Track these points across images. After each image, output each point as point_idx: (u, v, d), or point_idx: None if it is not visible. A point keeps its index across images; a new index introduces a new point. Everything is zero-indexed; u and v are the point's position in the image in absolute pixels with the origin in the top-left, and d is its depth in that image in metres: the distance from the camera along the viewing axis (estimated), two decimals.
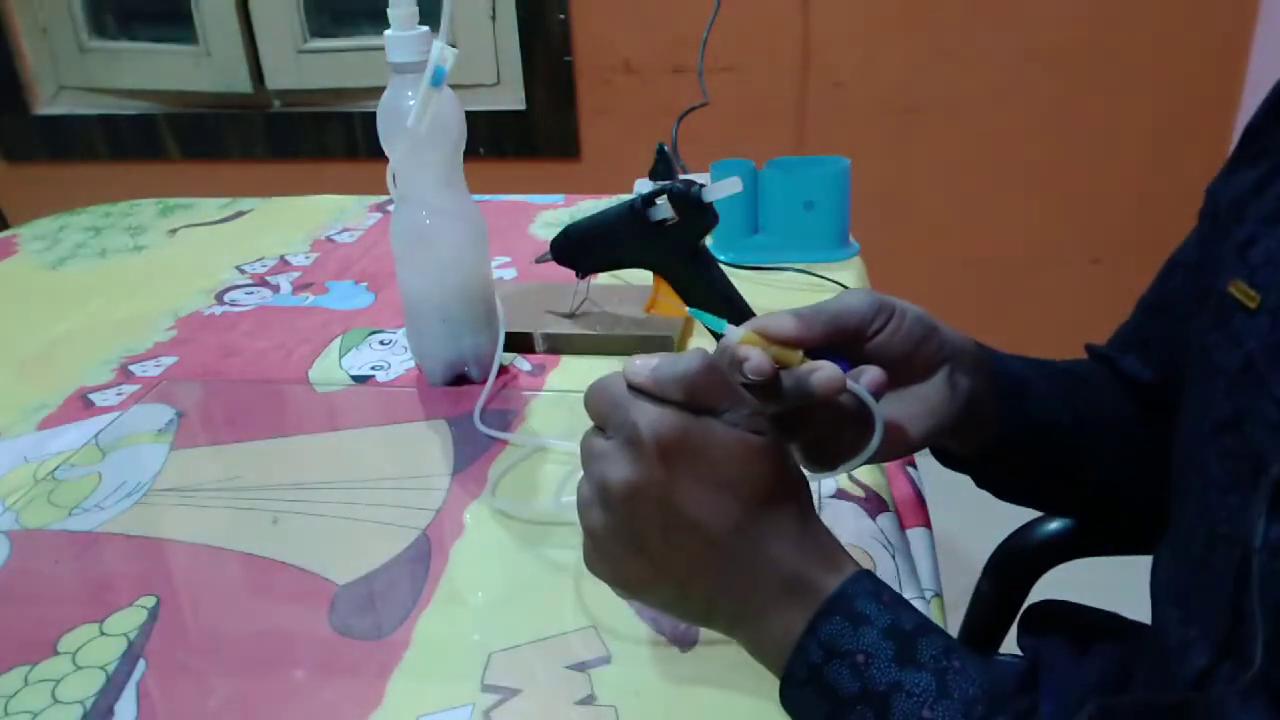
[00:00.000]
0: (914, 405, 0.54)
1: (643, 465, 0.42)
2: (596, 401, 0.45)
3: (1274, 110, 0.55)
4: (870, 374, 0.50)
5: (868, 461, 0.51)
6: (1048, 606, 0.78)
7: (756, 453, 0.44)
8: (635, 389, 0.44)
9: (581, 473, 0.46)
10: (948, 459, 0.62)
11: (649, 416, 0.42)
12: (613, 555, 0.45)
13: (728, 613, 0.45)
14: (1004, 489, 0.65)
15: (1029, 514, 0.79)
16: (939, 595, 0.62)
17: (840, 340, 0.50)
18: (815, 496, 0.67)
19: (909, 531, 0.68)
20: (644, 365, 0.43)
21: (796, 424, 0.51)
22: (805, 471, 0.54)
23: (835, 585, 0.43)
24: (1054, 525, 0.80)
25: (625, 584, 0.46)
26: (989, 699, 0.40)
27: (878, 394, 0.49)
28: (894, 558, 0.61)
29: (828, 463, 0.53)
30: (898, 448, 0.54)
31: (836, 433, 0.52)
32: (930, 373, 0.54)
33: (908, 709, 0.40)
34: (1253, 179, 0.53)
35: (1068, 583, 0.81)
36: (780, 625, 0.43)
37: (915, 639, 0.42)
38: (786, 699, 0.44)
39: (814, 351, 0.49)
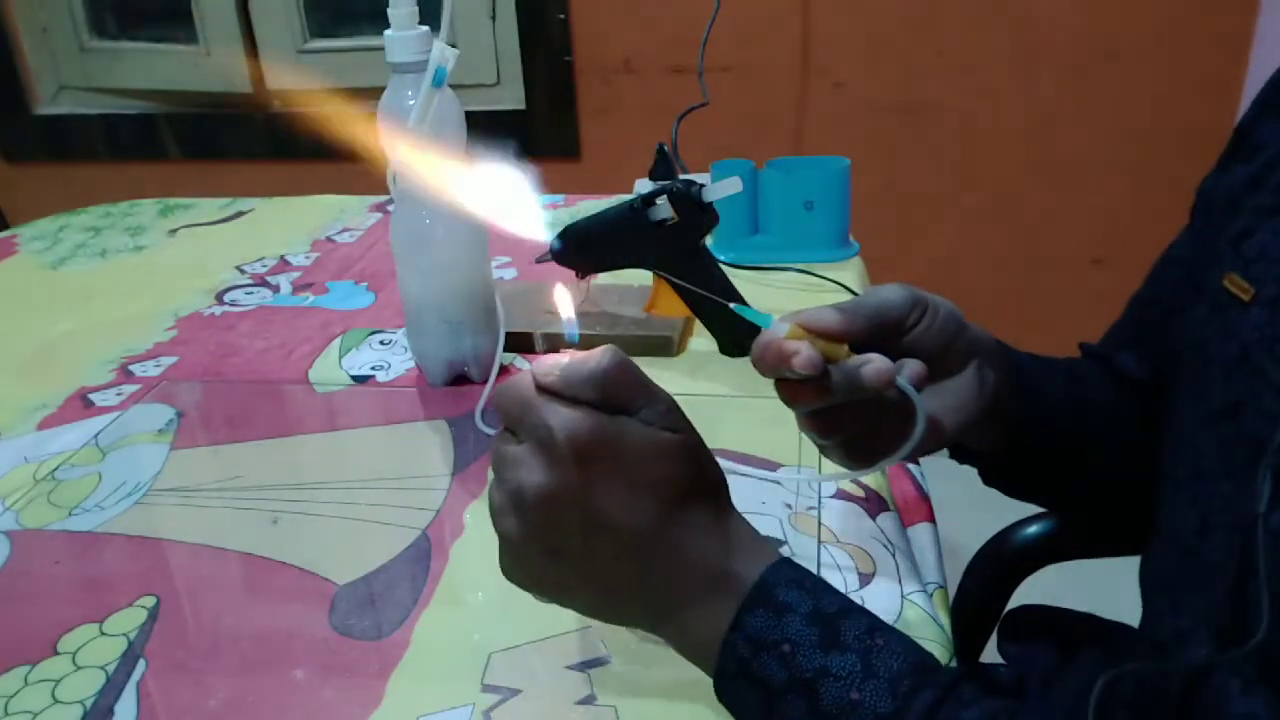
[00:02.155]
0: (945, 399, 0.54)
1: (557, 469, 0.41)
2: (506, 404, 0.44)
3: (1266, 106, 0.56)
4: (911, 367, 0.50)
5: (907, 457, 0.51)
6: (1027, 611, 0.78)
7: (673, 450, 0.43)
8: (544, 390, 0.42)
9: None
10: (959, 453, 0.62)
11: (561, 418, 0.41)
12: (530, 562, 0.44)
13: (651, 612, 0.45)
14: (1012, 485, 0.65)
15: (1025, 512, 0.79)
16: (941, 587, 0.62)
17: (879, 334, 0.50)
18: (816, 497, 0.67)
19: (912, 528, 0.68)
20: (552, 365, 0.42)
21: (835, 420, 0.51)
22: (844, 469, 0.54)
23: (756, 575, 0.43)
24: (1034, 529, 0.79)
25: (546, 589, 0.45)
26: (914, 673, 0.41)
27: (918, 387, 0.49)
28: (894, 556, 0.61)
29: (864, 459, 0.53)
30: (931, 442, 0.54)
31: (872, 429, 0.52)
32: (960, 367, 0.54)
33: (836, 692, 0.40)
34: (1247, 173, 0.53)
35: (1046, 587, 0.80)
36: (705, 622, 0.43)
37: (838, 622, 0.42)
38: (721, 694, 0.44)
39: (853, 346, 0.49)
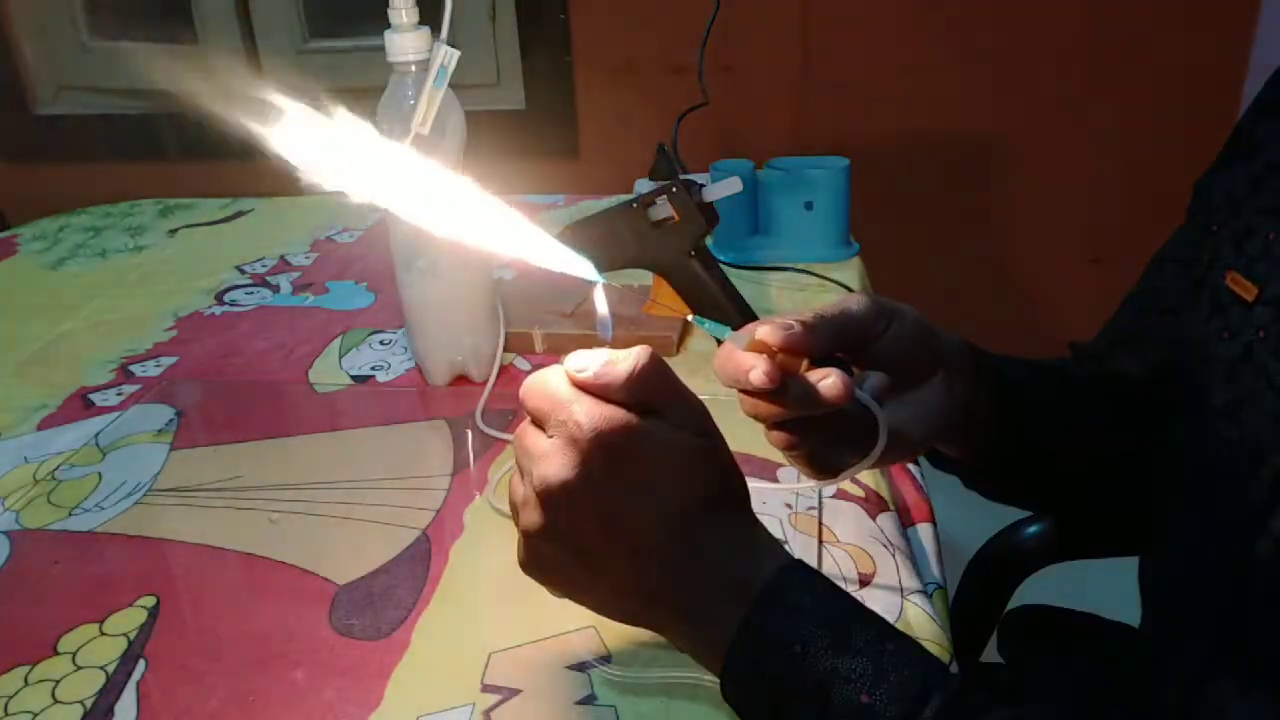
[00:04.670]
0: (913, 409, 0.53)
1: (585, 466, 0.41)
2: (535, 397, 0.43)
3: (1267, 106, 0.56)
4: (873, 379, 0.49)
5: (870, 467, 0.51)
6: (1027, 612, 0.78)
7: (699, 456, 0.43)
8: (577, 386, 0.42)
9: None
10: (937, 460, 0.62)
11: (593, 416, 0.41)
12: (549, 557, 0.44)
13: (665, 614, 0.45)
14: (994, 490, 0.65)
15: (1025, 513, 0.79)
16: (941, 587, 0.62)
17: (843, 345, 0.50)
18: (816, 498, 0.67)
19: (912, 529, 0.68)
20: (587, 362, 0.42)
21: (799, 431, 0.51)
22: (807, 479, 0.54)
23: (768, 577, 0.43)
24: (1034, 529, 0.79)
25: (562, 585, 0.45)
26: (924, 679, 0.41)
27: (880, 399, 0.49)
28: (894, 557, 0.61)
29: (829, 469, 0.53)
30: (899, 453, 0.54)
31: (837, 439, 0.51)
32: (928, 376, 0.54)
33: (846, 694, 0.40)
34: (1249, 173, 0.53)
35: (1046, 587, 0.80)
36: (717, 623, 0.43)
37: (849, 625, 0.42)
38: (728, 694, 0.44)
39: (817, 357, 0.49)
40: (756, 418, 0.50)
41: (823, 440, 0.52)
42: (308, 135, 0.40)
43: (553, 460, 0.42)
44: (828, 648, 0.41)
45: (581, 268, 0.45)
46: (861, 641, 0.41)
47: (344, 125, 0.41)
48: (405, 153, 0.44)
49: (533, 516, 0.43)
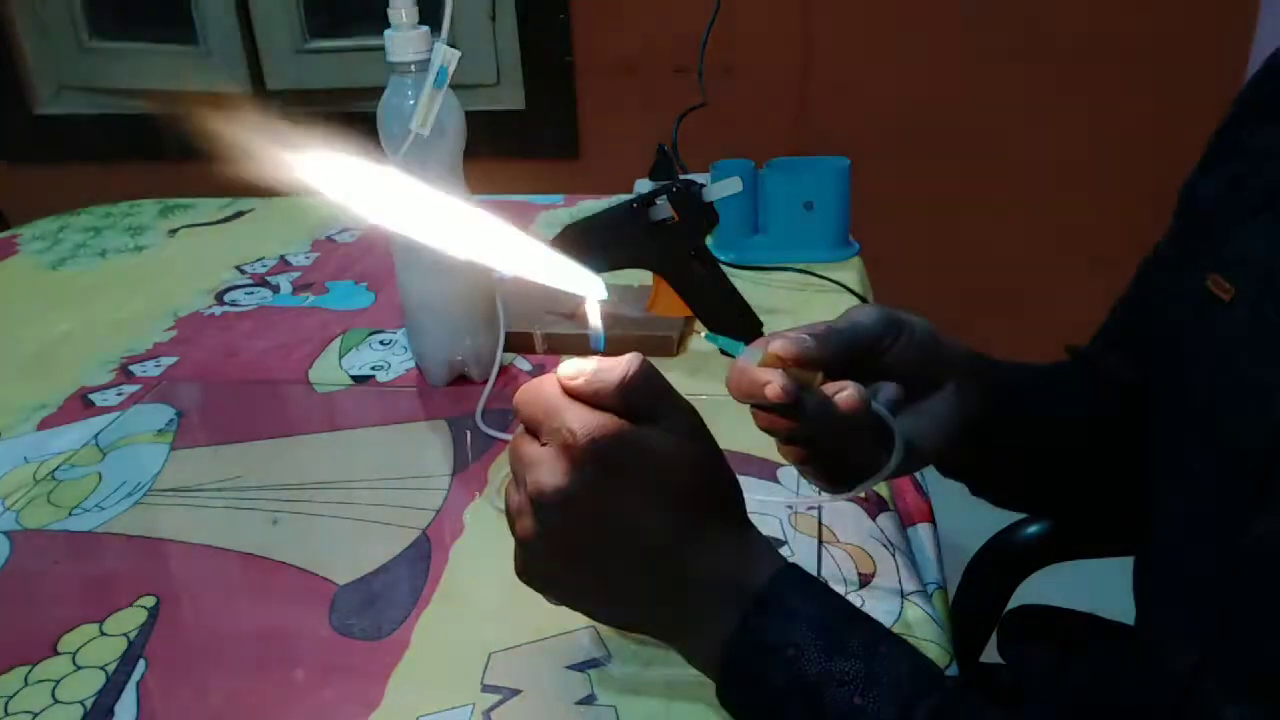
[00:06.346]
0: (924, 419, 0.54)
1: (578, 474, 0.41)
2: (529, 406, 0.44)
3: (1246, 108, 0.56)
4: (886, 390, 0.50)
5: (886, 479, 0.51)
6: (1027, 612, 0.78)
7: (693, 462, 0.43)
8: (570, 393, 0.43)
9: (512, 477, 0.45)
10: (945, 467, 0.62)
11: (586, 424, 0.41)
12: (545, 564, 0.44)
13: (662, 618, 0.45)
14: (1000, 495, 0.65)
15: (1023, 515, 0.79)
16: (941, 587, 0.62)
17: (854, 358, 0.50)
18: (815, 497, 0.67)
19: (912, 528, 0.68)
20: (580, 369, 0.43)
21: (813, 444, 0.51)
22: (823, 492, 0.54)
23: (764, 580, 0.43)
24: (1034, 529, 0.79)
25: (559, 593, 0.45)
26: (918, 681, 0.41)
27: (893, 410, 0.49)
28: (894, 556, 0.61)
29: (841, 481, 0.53)
30: (911, 463, 0.54)
31: (848, 451, 0.51)
32: (938, 386, 0.54)
33: (839, 697, 0.40)
34: (1228, 175, 0.54)
35: (1046, 587, 0.80)
36: (713, 627, 0.43)
37: (844, 628, 0.42)
38: (724, 697, 0.44)
39: (829, 370, 0.49)
40: (771, 432, 0.50)
41: (835, 453, 0.52)
42: (308, 155, 0.40)
43: (547, 468, 0.42)
44: (822, 651, 0.41)
45: (587, 283, 0.45)
46: (856, 644, 0.42)
47: (341, 148, 0.40)
48: (400, 173, 0.44)
49: (528, 524, 0.43)
